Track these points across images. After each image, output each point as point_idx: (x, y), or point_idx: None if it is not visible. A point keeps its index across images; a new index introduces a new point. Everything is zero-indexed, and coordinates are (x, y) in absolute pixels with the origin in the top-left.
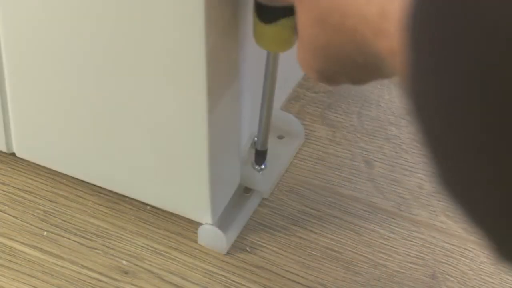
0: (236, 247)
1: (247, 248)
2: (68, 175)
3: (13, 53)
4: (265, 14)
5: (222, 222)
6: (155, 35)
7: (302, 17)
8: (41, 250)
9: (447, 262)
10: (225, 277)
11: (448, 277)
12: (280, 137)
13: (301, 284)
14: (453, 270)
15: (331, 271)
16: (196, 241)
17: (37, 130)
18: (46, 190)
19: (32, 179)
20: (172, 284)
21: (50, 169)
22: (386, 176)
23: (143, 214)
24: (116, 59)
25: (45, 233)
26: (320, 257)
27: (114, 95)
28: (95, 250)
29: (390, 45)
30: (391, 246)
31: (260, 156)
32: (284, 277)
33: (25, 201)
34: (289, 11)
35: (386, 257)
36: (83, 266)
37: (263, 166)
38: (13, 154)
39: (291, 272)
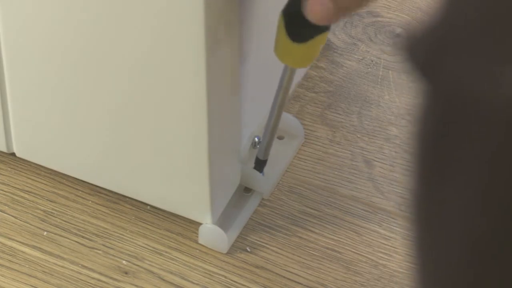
0: (236, 247)
1: (247, 248)
2: (68, 175)
3: (13, 53)
4: (298, 35)
5: (223, 222)
6: (155, 33)
7: None
8: (41, 250)
9: None
10: (225, 277)
11: None
12: (280, 137)
13: (301, 284)
14: None
15: (331, 271)
16: (196, 241)
17: (37, 130)
18: (46, 190)
19: (32, 179)
20: (172, 284)
21: (50, 169)
22: (386, 176)
23: (143, 214)
24: (116, 59)
25: (45, 233)
26: (320, 257)
27: (114, 95)
28: (95, 250)
29: None
30: (391, 246)
31: (260, 164)
32: (284, 277)
33: (25, 201)
34: (319, 29)
35: (386, 257)
36: (83, 266)
37: (261, 174)
38: (13, 154)
39: (291, 272)
